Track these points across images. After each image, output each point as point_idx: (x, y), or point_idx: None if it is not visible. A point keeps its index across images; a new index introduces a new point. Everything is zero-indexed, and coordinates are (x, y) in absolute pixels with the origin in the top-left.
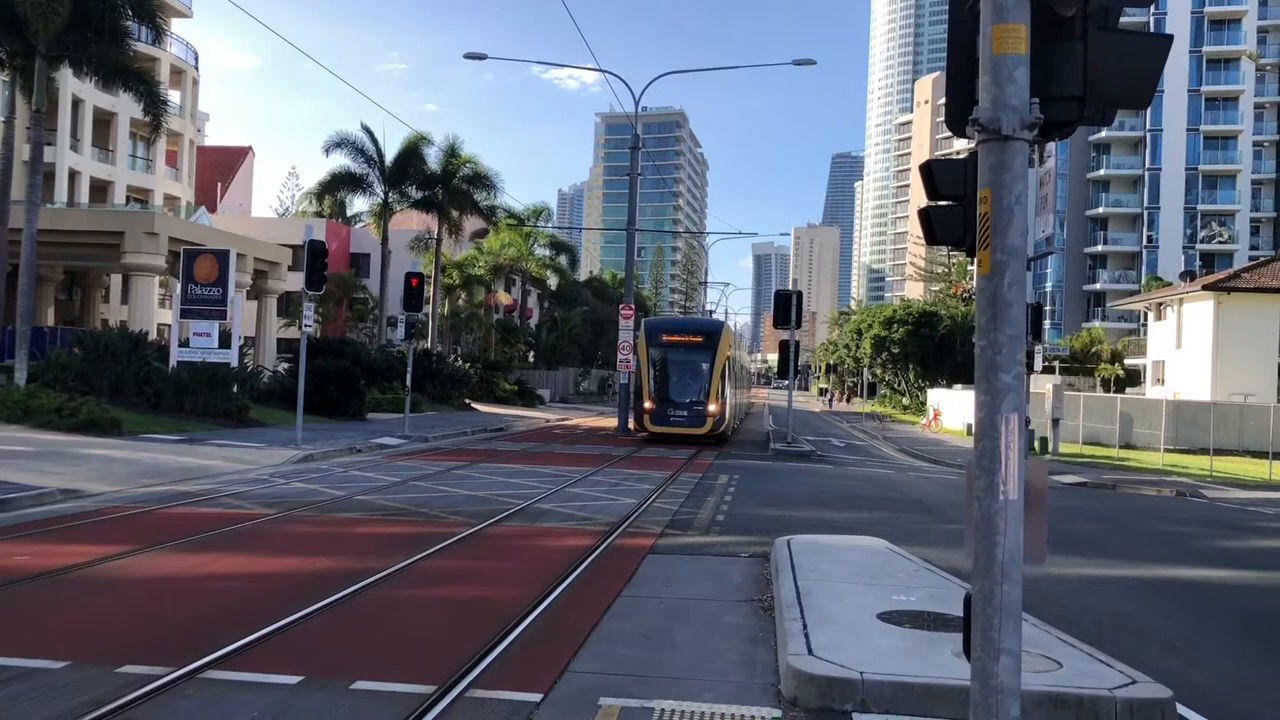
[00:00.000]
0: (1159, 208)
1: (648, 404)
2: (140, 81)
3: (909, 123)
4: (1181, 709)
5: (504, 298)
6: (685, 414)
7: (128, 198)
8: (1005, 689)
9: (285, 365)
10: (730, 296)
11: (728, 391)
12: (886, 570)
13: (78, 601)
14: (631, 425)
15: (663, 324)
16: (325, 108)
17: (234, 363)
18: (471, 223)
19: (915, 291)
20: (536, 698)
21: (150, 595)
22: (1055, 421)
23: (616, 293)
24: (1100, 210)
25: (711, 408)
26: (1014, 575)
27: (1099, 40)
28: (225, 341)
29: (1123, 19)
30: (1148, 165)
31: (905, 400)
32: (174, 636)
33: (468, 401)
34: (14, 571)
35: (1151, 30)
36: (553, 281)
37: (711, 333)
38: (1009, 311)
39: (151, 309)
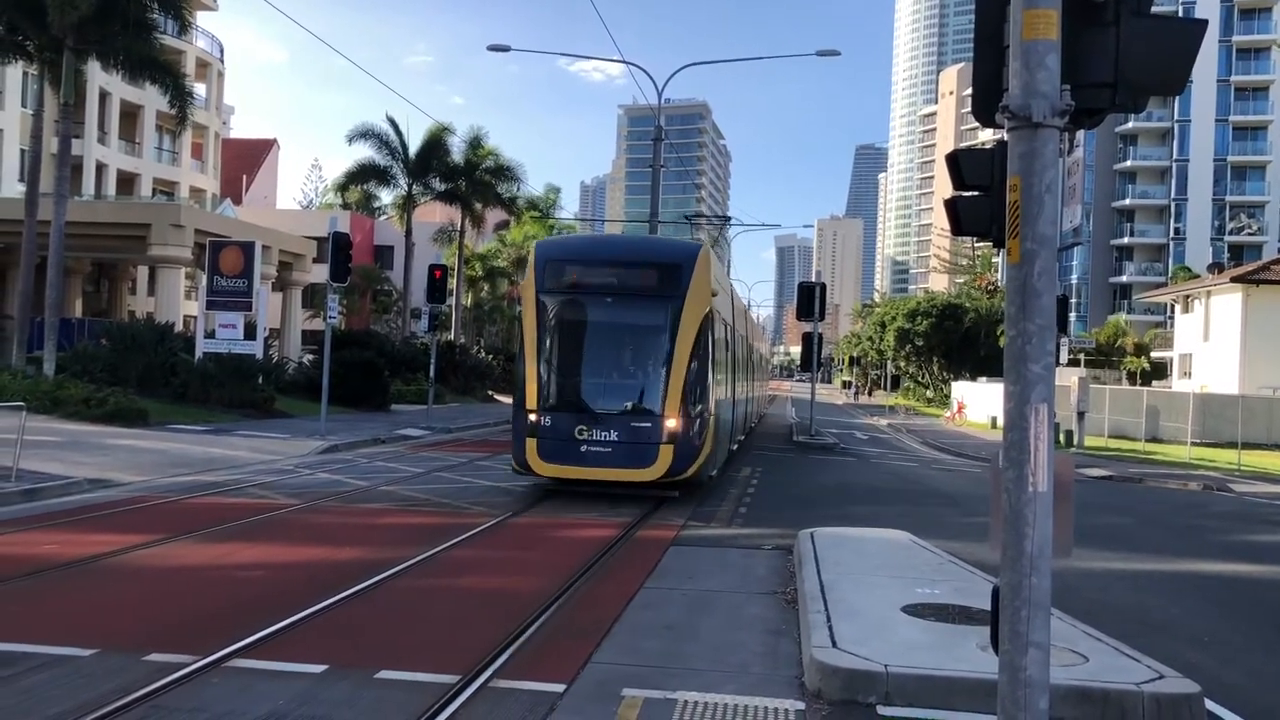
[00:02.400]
0: (1186, 199)
1: (535, 416)
2: (166, 74)
3: (933, 114)
4: (1210, 704)
5: None
6: (615, 438)
7: (154, 190)
8: (1033, 682)
9: (310, 357)
10: (754, 289)
11: (710, 388)
12: (910, 563)
13: (105, 590)
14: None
15: (573, 249)
16: (353, 100)
17: (259, 354)
18: (494, 215)
19: (939, 284)
20: (560, 688)
21: (177, 584)
22: (1080, 415)
23: None
24: (1127, 202)
25: (671, 423)
26: (1043, 568)
27: (1132, 25)
28: (250, 333)
29: (1153, 7)
30: (1175, 156)
31: (929, 393)
32: (200, 625)
33: (490, 393)
34: (42, 560)
35: (1184, 17)
36: None
37: (673, 265)
38: (1038, 301)
39: (178, 301)
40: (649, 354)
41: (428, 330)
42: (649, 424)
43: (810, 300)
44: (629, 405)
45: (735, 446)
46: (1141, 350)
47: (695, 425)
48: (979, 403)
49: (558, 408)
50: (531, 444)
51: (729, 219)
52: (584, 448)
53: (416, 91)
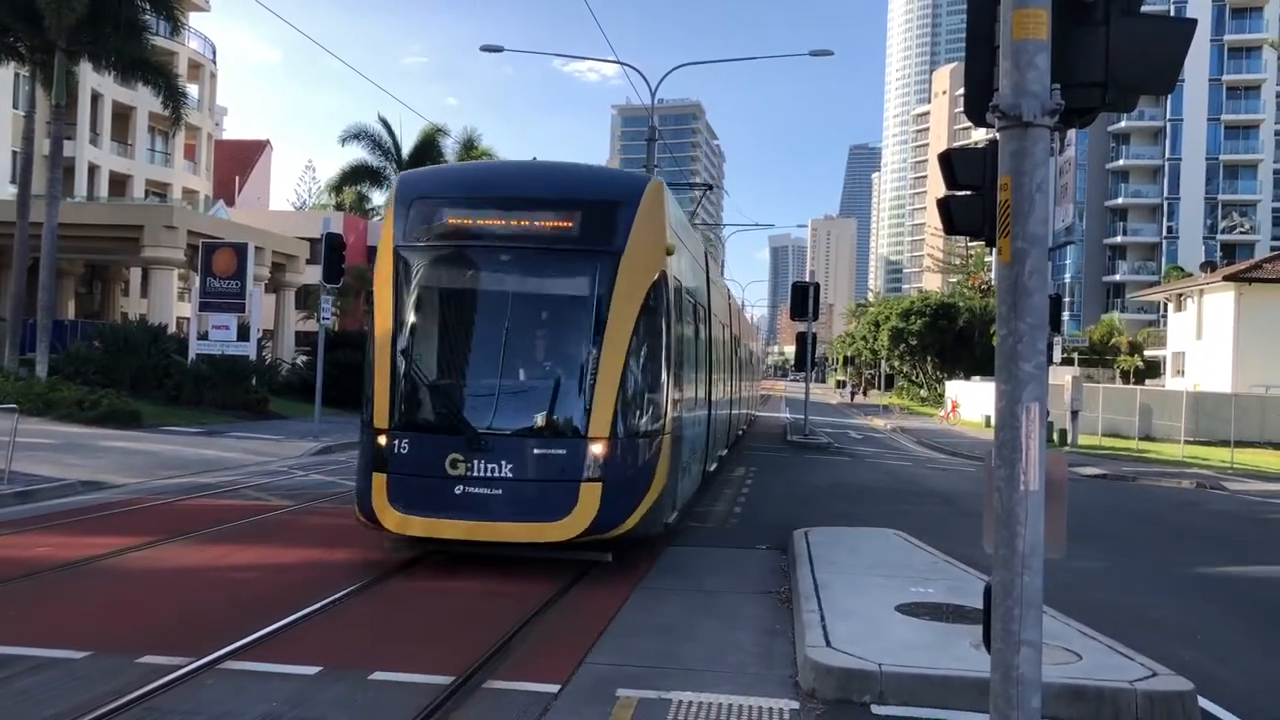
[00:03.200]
0: (1179, 198)
1: (385, 439)
2: (158, 75)
3: (927, 114)
4: (1203, 701)
5: None
6: (509, 474)
7: (147, 191)
8: (1026, 680)
9: (304, 358)
10: (748, 289)
11: (666, 391)
12: (904, 562)
13: (99, 592)
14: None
15: (453, 181)
16: (347, 101)
17: (252, 355)
18: None
19: (933, 283)
20: (554, 689)
21: (170, 586)
22: (1074, 413)
23: None
24: (1120, 201)
25: (598, 449)
26: (1035, 566)
27: (1121, 25)
28: (244, 334)
29: (1143, 6)
30: (1168, 155)
31: (923, 392)
32: (194, 627)
33: None
34: (36, 563)
35: (1174, 16)
36: None
37: (607, 204)
38: (1030, 300)
39: (171, 302)
40: (567, 340)
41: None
42: (563, 450)
43: (804, 300)
44: (533, 422)
45: (714, 466)
46: (1135, 349)
47: (639, 450)
48: (973, 402)
49: (420, 426)
50: (379, 482)
51: (710, 186)
52: (459, 488)
53: (411, 92)
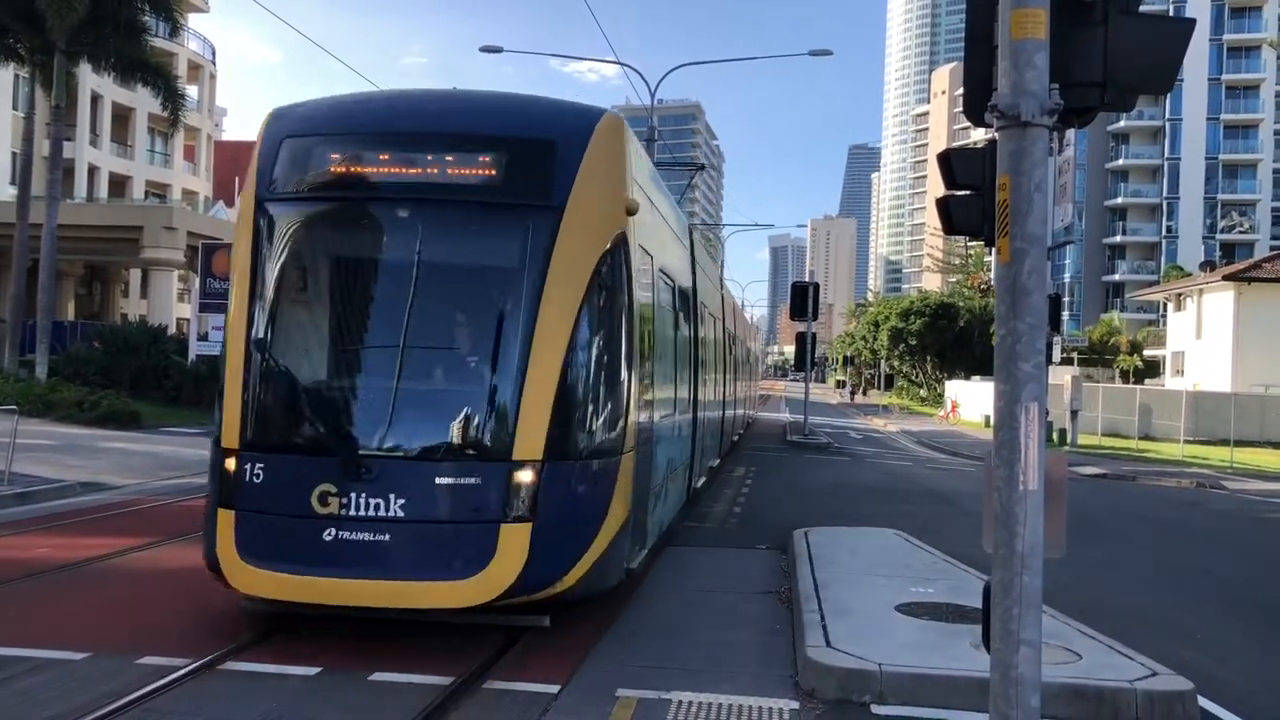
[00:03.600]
0: (1179, 198)
1: (234, 463)
2: (158, 76)
3: (926, 114)
4: (1203, 701)
5: None
6: (399, 512)
7: (146, 192)
8: (1025, 680)
9: None
10: (748, 289)
11: (627, 393)
12: (904, 562)
13: (99, 593)
14: (221, 558)
15: (338, 115)
16: None
17: None
18: None
19: (933, 283)
20: (555, 689)
21: (171, 586)
22: (1074, 413)
23: None
24: (1119, 201)
25: (524, 476)
26: (1034, 566)
27: (1120, 25)
28: None
29: (1142, 6)
30: (1167, 155)
31: (923, 392)
32: (193, 628)
33: None
34: (35, 563)
35: (1172, 16)
36: None
37: (540, 143)
38: (1028, 299)
39: (170, 303)
40: (488, 327)
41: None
42: (478, 479)
43: (804, 300)
44: (437, 439)
45: (702, 482)
46: (1134, 348)
47: (586, 475)
48: (973, 402)
49: (281, 445)
50: (225, 523)
51: (701, 166)
52: (331, 533)
53: None
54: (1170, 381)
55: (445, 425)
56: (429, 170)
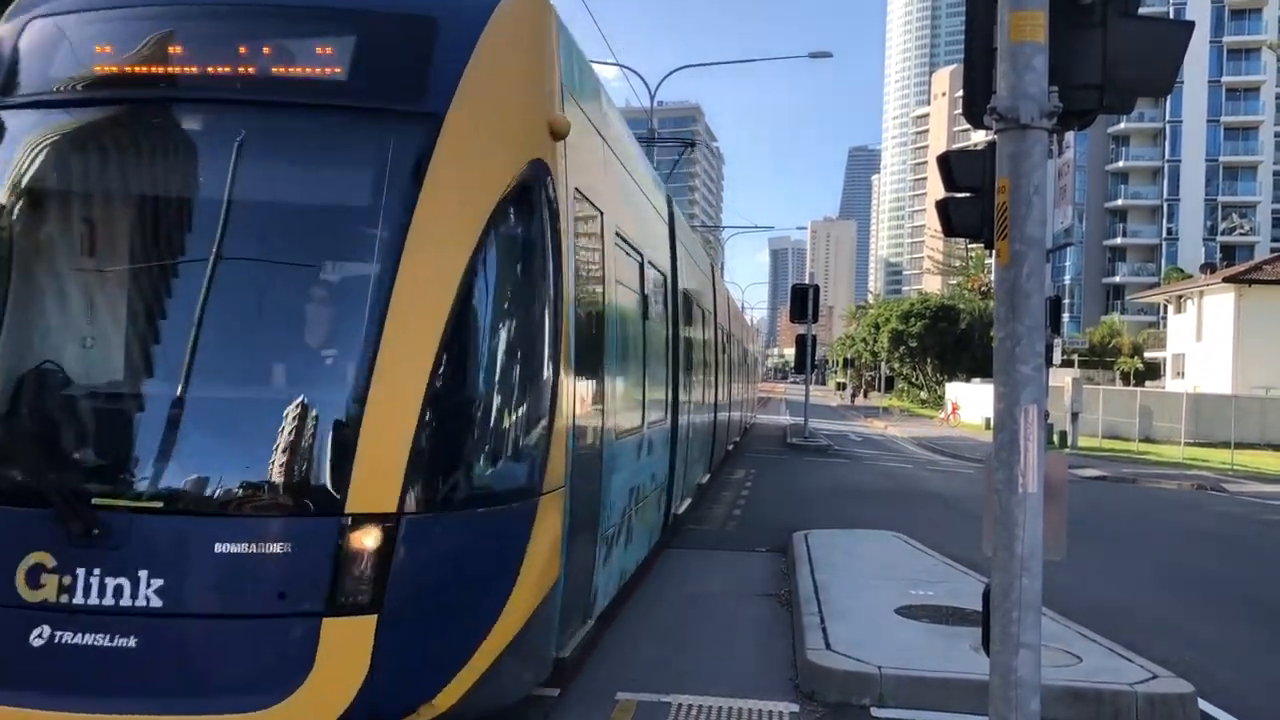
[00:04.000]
0: (1179, 200)
1: None
2: None
3: (926, 116)
4: (1204, 704)
5: None
6: (160, 602)
7: None
8: (1024, 683)
9: None
10: (748, 291)
11: (557, 404)
12: (904, 564)
13: None
14: None
15: None
16: None
17: None
18: None
19: (933, 285)
20: (554, 692)
21: None
22: (1074, 415)
23: None
24: (1119, 203)
25: (363, 540)
26: (1033, 569)
27: (1119, 27)
28: None
29: (1142, 8)
30: (1167, 157)
31: (923, 394)
32: None
33: None
34: None
35: (1171, 18)
36: None
37: (412, 24)
38: (1028, 302)
39: None
40: (317, 300)
41: None
42: (285, 545)
43: (804, 302)
44: (224, 478)
45: (685, 506)
46: (1135, 351)
47: (473, 535)
48: (973, 404)
49: None
50: None
51: (692, 144)
52: (42, 633)
53: None
54: (1171, 384)
55: (238, 457)
56: (241, 65)
